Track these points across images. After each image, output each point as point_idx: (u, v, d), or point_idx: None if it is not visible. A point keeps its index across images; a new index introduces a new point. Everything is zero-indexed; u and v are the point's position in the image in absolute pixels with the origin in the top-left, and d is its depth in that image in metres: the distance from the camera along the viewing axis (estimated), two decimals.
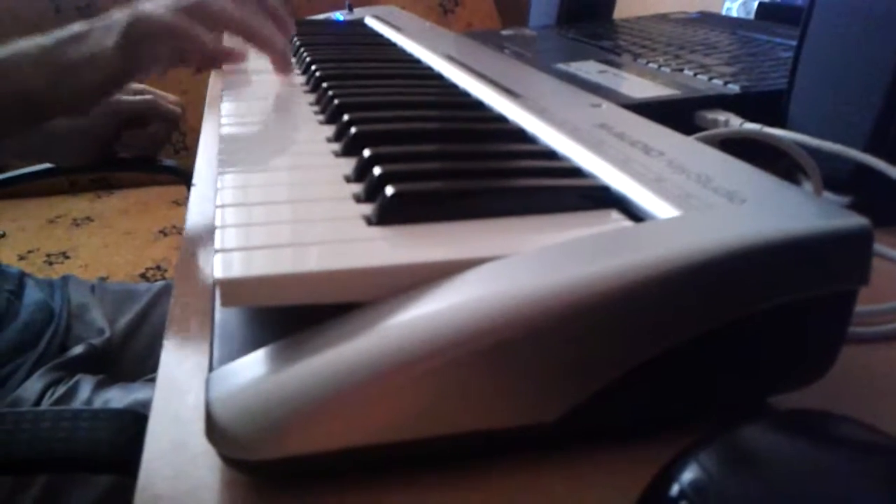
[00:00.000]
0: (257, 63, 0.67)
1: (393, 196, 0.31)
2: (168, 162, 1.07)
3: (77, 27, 0.63)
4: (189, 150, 2.02)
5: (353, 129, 0.42)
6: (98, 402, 0.76)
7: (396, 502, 0.28)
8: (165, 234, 1.75)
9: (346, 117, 0.44)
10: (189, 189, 0.62)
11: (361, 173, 0.37)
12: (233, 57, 0.65)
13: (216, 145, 0.43)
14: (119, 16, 0.63)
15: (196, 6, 0.62)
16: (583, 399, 0.28)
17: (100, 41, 0.62)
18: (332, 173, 0.38)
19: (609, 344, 0.27)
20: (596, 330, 0.27)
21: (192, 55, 0.63)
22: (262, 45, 0.62)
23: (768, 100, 0.61)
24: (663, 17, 1.09)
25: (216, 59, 0.64)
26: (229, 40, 0.68)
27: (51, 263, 1.60)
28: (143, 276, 1.56)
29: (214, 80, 0.92)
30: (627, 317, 0.27)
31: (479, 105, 0.51)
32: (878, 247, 0.47)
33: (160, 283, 1.05)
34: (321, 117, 0.50)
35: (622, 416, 0.30)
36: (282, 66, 0.63)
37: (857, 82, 0.52)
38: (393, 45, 0.76)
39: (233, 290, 0.27)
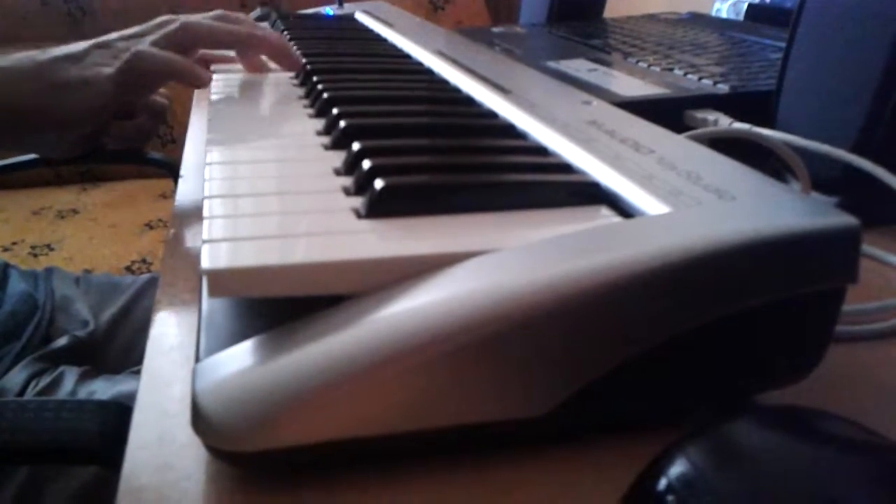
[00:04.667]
0: None
1: (382, 189, 0.31)
2: (155, 154, 1.06)
3: (75, 47, 0.63)
4: (176, 143, 2.01)
5: (342, 123, 0.42)
6: (82, 394, 0.76)
7: (382, 495, 0.28)
8: (151, 228, 1.74)
9: (335, 111, 0.44)
10: (176, 182, 0.61)
11: (351, 166, 0.37)
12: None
13: (204, 138, 0.42)
14: (120, 45, 0.62)
15: (184, 31, 0.62)
16: (571, 394, 0.28)
17: (96, 66, 0.61)
18: (321, 166, 0.38)
19: (597, 339, 0.27)
20: (584, 325, 0.27)
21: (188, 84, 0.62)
22: (259, 45, 0.62)
23: (757, 100, 0.61)
24: (653, 17, 1.10)
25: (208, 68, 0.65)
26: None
27: (35, 255, 1.59)
28: (128, 268, 1.55)
29: None
30: (616, 312, 0.27)
31: (469, 100, 0.51)
32: (865, 247, 0.47)
33: (145, 276, 1.04)
34: (311, 111, 0.49)
35: (611, 411, 0.30)
36: (289, 62, 0.63)
37: (846, 83, 0.52)
38: (383, 41, 0.75)
39: (220, 280, 0.27)
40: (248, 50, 0.63)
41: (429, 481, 0.28)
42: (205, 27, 0.63)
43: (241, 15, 0.68)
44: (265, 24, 0.82)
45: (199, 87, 0.61)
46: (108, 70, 0.60)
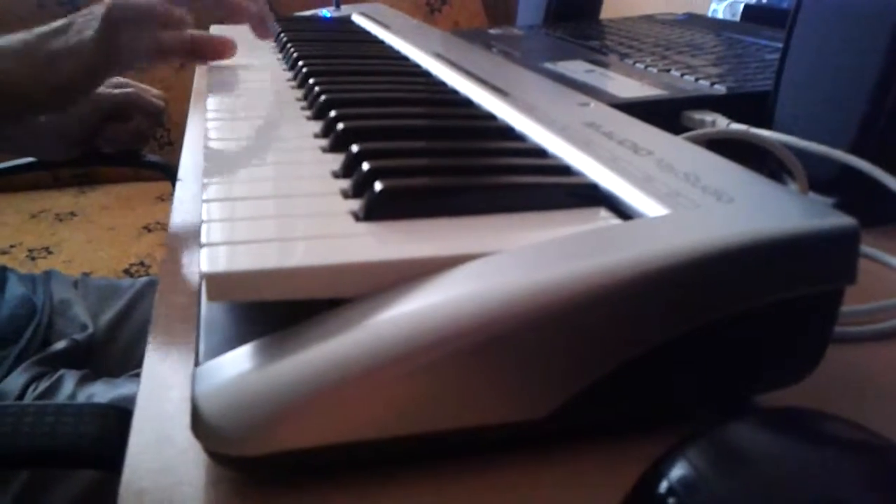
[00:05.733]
0: (243, 59, 0.66)
1: (381, 192, 0.31)
2: (152, 157, 1.06)
3: (60, 21, 0.64)
4: (174, 146, 2.01)
5: (340, 125, 0.42)
6: (82, 397, 0.76)
7: (382, 499, 0.28)
8: (149, 230, 1.74)
9: (333, 113, 0.44)
10: (174, 185, 0.61)
11: (349, 169, 0.37)
12: (217, 48, 0.64)
13: (202, 140, 0.42)
14: (98, 7, 0.63)
15: None
16: (571, 396, 0.28)
17: (79, 33, 0.62)
18: (319, 169, 0.38)
19: (597, 341, 0.27)
20: (584, 327, 0.27)
21: (173, 43, 0.62)
22: (236, 10, 0.62)
23: (755, 101, 0.61)
24: (650, 18, 1.10)
25: (199, 48, 0.64)
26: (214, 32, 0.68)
27: (33, 258, 1.59)
28: (126, 271, 1.55)
29: (200, 75, 0.91)
30: (616, 315, 0.27)
31: (467, 102, 0.51)
32: (863, 248, 0.47)
33: (144, 279, 1.04)
34: (308, 113, 0.49)
35: (611, 412, 0.30)
36: (260, 31, 0.64)
37: (843, 84, 0.52)
38: (381, 43, 0.75)
39: (219, 284, 0.27)
40: (232, 16, 0.63)
41: (430, 484, 0.28)
42: None
43: None
44: None
45: (177, 26, 0.61)
46: (90, 32, 0.61)
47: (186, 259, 0.47)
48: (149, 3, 0.61)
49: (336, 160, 0.39)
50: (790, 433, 0.22)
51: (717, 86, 0.64)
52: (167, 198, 1.85)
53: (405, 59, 0.67)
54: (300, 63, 0.60)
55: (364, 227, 0.31)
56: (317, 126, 0.46)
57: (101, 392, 0.77)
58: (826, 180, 0.52)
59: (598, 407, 0.29)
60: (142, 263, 1.58)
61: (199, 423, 0.26)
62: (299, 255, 0.28)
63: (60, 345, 0.86)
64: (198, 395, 0.26)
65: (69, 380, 0.78)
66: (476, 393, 0.27)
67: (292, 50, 0.67)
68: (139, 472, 0.28)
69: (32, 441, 0.51)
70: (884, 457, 0.21)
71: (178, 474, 0.28)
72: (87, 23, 0.62)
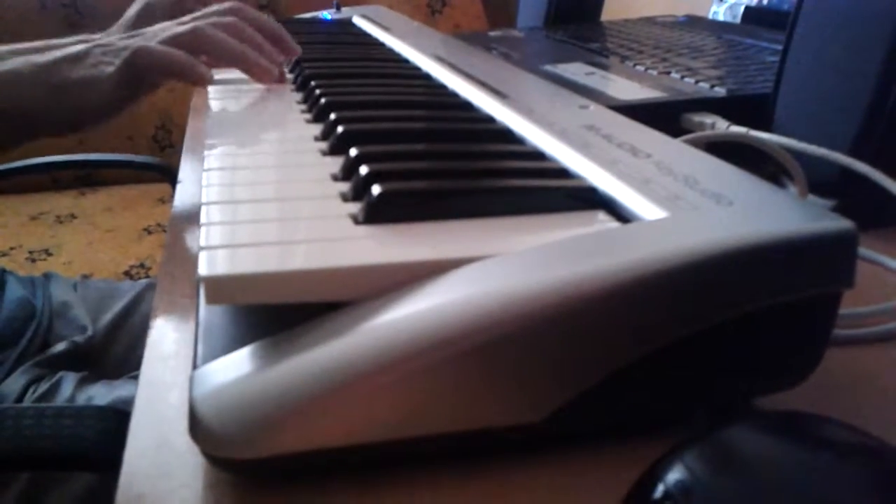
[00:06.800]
0: None
1: (380, 195, 0.31)
2: (153, 159, 1.06)
3: (76, 48, 0.62)
4: (174, 148, 2.01)
5: (340, 128, 0.42)
6: (81, 400, 0.76)
7: (380, 502, 0.27)
8: (150, 233, 1.74)
9: (333, 116, 0.44)
10: (174, 187, 0.61)
11: (348, 172, 0.37)
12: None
13: (202, 143, 0.42)
14: (121, 43, 0.62)
15: (193, 37, 0.61)
16: (569, 399, 0.28)
17: (98, 66, 0.61)
18: (318, 172, 0.38)
19: (595, 345, 0.27)
20: (582, 330, 0.27)
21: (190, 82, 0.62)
22: (259, 76, 0.61)
23: (754, 103, 0.61)
24: (650, 20, 1.10)
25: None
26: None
27: (33, 260, 1.59)
28: (126, 273, 1.55)
29: None
30: (614, 318, 0.27)
31: (466, 105, 0.51)
32: (862, 250, 0.47)
33: (144, 281, 1.04)
34: (308, 116, 0.50)
35: (609, 416, 0.30)
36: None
37: (843, 86, 0.52)
38: (381, 45, 0.76)
39: (218, 287, 0.27)
40: (259, 79, 0.62)
41: (426, 487, 0.28)
42: (214, 40, 0.62)
43: (260, 16, 0.67)
44: None
45: (199, 84, 0.61)
46: (109, 69, 0.60)
47: (186, 261, 0.47)
48: (173, 58, 0.59)
49: (336, 163, 0.39)
50: (788, 437, 0.22)
51: (716, 88, 0.64)
52: (167, 200, 1.85)
53: (405, 61, 0.67)
54: (301, 65, 0.60)
55: (363, 230, 0.31)
56: (317, 129, 0.46)
57: (101, 394, 0.77)
58: (825, 183, 0.52)
59: (595, 410, 0.29)
60: (142, 265, 1.58)
61: (197, 426, 0.26)
62: (298, 259, 0.28)
63: (60, 347, 0.86)
64: (196, 397, 0.26)
65: (68, 382, 0.78)
66: (475, 396, 0.27)
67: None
68: (137, 475, 0.28)
69: (31, 443, 0.51)
70: (882, 461, 0.21)
71: (175, 477, 0.28)
72: (106, 57, 0.61)
